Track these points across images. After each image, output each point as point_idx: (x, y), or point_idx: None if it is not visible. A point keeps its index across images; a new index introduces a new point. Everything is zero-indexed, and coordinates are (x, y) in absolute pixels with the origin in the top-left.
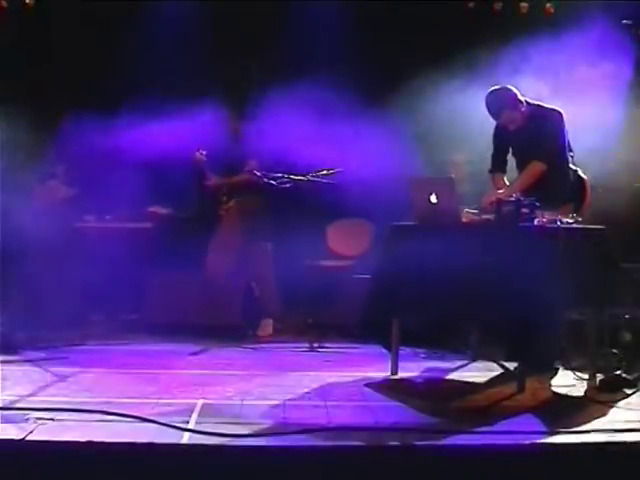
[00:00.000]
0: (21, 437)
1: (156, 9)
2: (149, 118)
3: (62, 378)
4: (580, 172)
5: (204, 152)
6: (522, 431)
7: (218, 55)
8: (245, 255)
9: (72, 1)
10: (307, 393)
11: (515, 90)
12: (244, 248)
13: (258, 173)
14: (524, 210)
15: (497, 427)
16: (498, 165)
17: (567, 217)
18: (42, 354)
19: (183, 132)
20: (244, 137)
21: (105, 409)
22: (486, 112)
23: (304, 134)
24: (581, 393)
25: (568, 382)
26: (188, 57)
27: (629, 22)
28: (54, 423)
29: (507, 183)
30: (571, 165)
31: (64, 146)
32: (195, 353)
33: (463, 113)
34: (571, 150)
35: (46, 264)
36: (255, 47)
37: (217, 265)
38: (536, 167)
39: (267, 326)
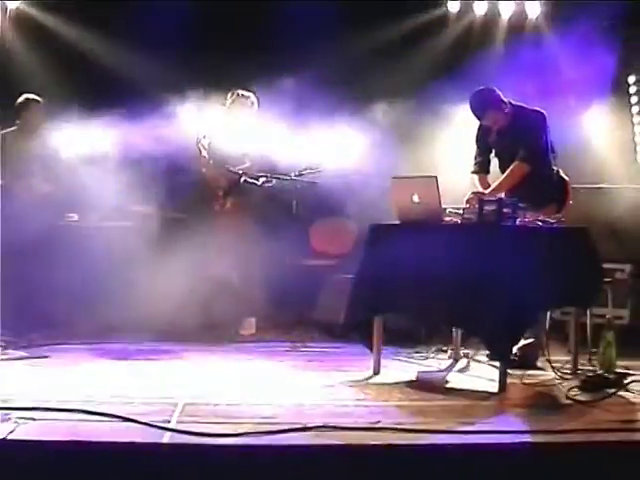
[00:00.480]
0: (2, 437)
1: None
2: (133, 116)
3: (43, 377)
4: (562, 173)
5: (207, 139)
6: (503, 431)
7: (201, 51)
8: (233, 254)
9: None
10: (289, 392)
11: (498, 91)
12: (235, 248)
13: (240, 172)
14: (506, 210)
15: (478, 427)
16: (481, 166)
17: (549, 217)
18: (24, 353)
19: (168, 129)
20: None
21: (86, 408)
22: (470, 112)
23: (287, 132)
24: (563, 393)
25: (550, 382)
26: (171, 52)
27: (611, 22)
28: (35, 422)
29: (490, 184)
30: (553, 166)
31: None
32: (177, 352)
33: (447, 112)
34: (554, 151)
35: (29, 262)
36: (238, 45)
37: (212, 265)
38: (520, 168)
39: (250, 325)
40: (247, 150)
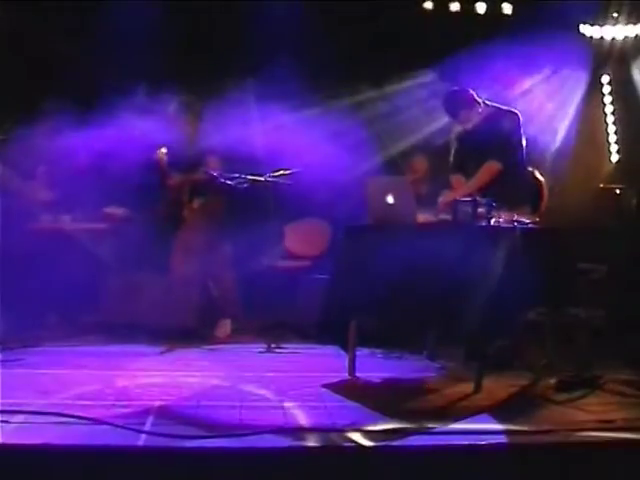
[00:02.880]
0: None
1: (113, 10)
2: (103, 117)
3: (18, 380)
4: (537, 173)
5: (165, 150)
6: (478, 431)
7: (173, 54)
8: (205, 255)
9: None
10: (264, 394)
11: (473, 91)
12: (204, 248)
13: (215, 173)
14: (481, 210)
15: (454, 427)
16: (456, 166)
17: (524, 217)
18: None
19: (140, 131)
20: (202, 134)
21: (61, 411)
22: (445, 112)
23: (261, 133)
24: (539, 393)
25: (525, 382)
26: (142, 56)
27: (585, 24)
28: (9, 425)
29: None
30: (528, 167)
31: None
32: (152, 354)
33: (423, 113)
34: (527, 152)
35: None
36: (212, 45)
37: (182, 266)
38: (491, 166)
39: (225, 326)
40: (206, 147)
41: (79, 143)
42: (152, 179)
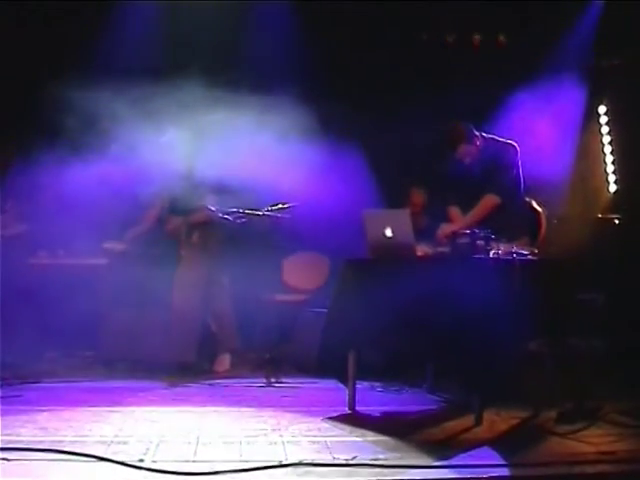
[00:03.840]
0: None
1: (103, 41)
2: (101, 154)
3: (16, 416)
4: (535, 204)
5: (164, 196)
6: (480, 464)
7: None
8: (204, 290)
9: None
10: (264, 429)
11: (470, 125)
12: (203, 283)
13: (213, 208)
14: (479, 242)
15: (455, 461)
16: (453, 199)
17: (523, 249)
18: None
19: (135, 169)
20: (197, 173)
21: (60, 448)
22: (443, 146)
23: (260, 167)
24: (540, 425)
25: (526, 414)
26: (138, 89)
27: (580, 54)
28: (8, 463)
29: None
30: (525, 198)
31: (14, 181)
32: (151, 389)
33: (419, 146)
34: (525, 183)
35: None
36: (210, 74)
37: (182, 302)
38: (490, 200)
39: (224, 361)
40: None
41: (77, 178)
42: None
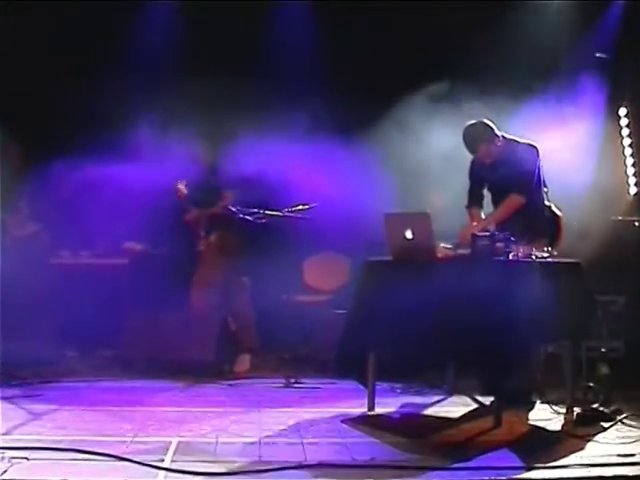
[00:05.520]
0: None
1: (126, 41)
2: (124, 152)
3: (36, 416)
4: (554, 208)
5: (185, 183)
6: (499, 467)
7: (192, 87)
8: (223, 290)
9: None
10: (283, 430)
11: (491, 124)
12: (223, 283)
13: (233, 209)
14: (499, 244)
15: (474, 462)
16: (474, 199)
17: (542, 251)
18: (16, 391)
19: (158, 167)
20: (220, 168)
21: (80, 447)
22: (464, 146)
23: (282, 166)
24: (558, 427)
25: (545, 416)
26: (160, 89)
27: (602, 55)
28: (28, 462)
29: (483, 217)
30: (546, 201)
31: (32, 180)
32: (171, 389)
33: (442, 147)
34: (546, 185)
35: (20, 300)
36: (232, 78)
37: (201, 301)
38: (515, 200)
39: (244, 361)
40: (224, 182)
41: (98, 178)
42: (170, 214)
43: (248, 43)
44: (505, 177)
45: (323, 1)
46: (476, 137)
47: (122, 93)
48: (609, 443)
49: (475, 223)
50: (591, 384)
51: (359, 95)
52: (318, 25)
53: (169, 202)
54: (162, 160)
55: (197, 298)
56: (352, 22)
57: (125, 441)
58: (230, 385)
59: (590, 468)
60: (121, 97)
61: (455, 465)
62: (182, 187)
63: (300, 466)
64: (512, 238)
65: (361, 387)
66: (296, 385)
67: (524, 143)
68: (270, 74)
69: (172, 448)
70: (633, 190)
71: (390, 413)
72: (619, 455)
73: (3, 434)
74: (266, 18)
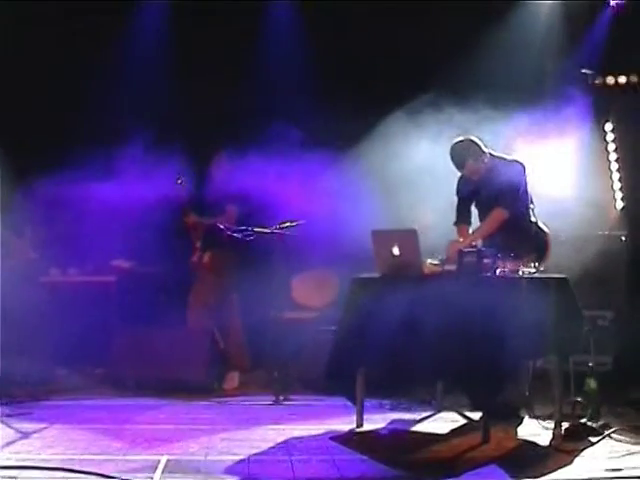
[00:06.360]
0: None
1: (119, 56)
2: (115, 169)
3: (26, 434)
4: (541, 224)
5: (184, 181)
6: None
7: (186, 103)
8: (215, 309)
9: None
10: (272, 447)
11: (478, 141)
12: (217, 302)
13: (222, 226)
14: (486, 260)
15: (463, 478)
16: (462, 216)
17: (529, 267)
18: (6, 409)
19: (146, 183)
20: (219, 181)
21: (69, 466)
22: (451, 163)
23: (268, 184)
24: (547, 442)
25: (533, 431)
26: (147, 104)
27: (587, 71)
28: None
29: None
30: (533, 217)
31: (30, 202)
32: (160, 407)
33: (428, 164)
34: (532, 202)
35: (10, 318)
36: (225, 94)
37: (198, 320)
38: (498, 214)
39: (233, 379)
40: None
41: (88, 195)
42: (161, 229)
43: (234, 60)
44: (492, 194)
45: (311, 21)
46: (463, 154)
47: (109, 109)
48: (597, 458)
49: (462, 239)
50: (579, 399)
51: (345, 111)
52: (305, 41)
53: (158, 218)
54: (151, 176)
55: (194, 317)
56: (337, 38)
57: (114, 459)
58: (219, 402)
59: None
60: (108, 113)
61: None
62: (181, 183)
63: None
64: (499, 254)
65: (350, 404)
66: (285, 402)
67: (511, 160)
68: (257, 91)
69: (161, 466)
70: (619, 205)
71: (379, 429)
72: (607, 470)
73: None
74: (251, 39)
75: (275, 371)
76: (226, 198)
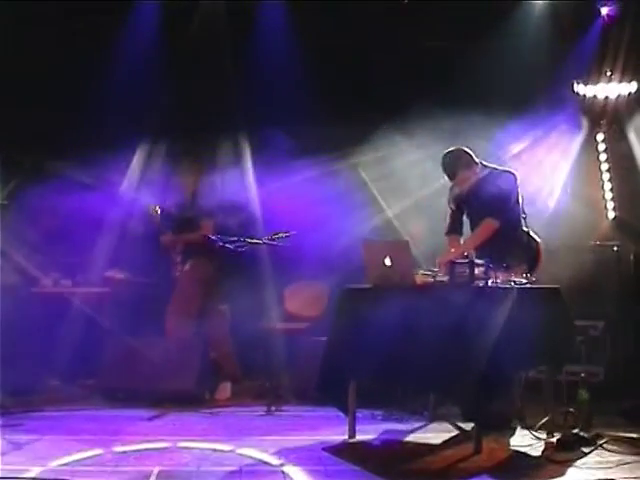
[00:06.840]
0: None
1: (107, 66)
2: (103, 181)
3: (17, 446)
4: (533, 234)
5: (158, 208)
6: None
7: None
8: (201, 318)
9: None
10: (264, 458)
11: (470, 151)
12: (200, 311)
13: (214, 237)
14: (478, 271)
15: None
16: (454, 227)
17: (521, 277)
18: None
19: (138, 194)
20: (199, 196)
21: (60, 477)
22: (442, 173)
23: (260, 195)
24: (539, 453)
25: (526, 442)
26: (139, 117)
27: (579, 81)
28: None
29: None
30: (524, 227)
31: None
32: (151, 418)
33: (420, 174)
34: (524, 212)
35: (1, 329)
36: (213, 103)
37: (176, 329)
38: (489, 224)
39: (225, 389)
40: (202, 209)
41: (79, 206)
42: (148, 240)
43: (221, 73)
44: (483, 204)
45: (303, 34)
46: (455, 164)
47: (99, 120)
48: (590, 468)
49: (453, 250)
50: (571, 409)
51: (337, 122)
52: (296, 51)
53: (145, 229)
54: (142, 187)
55: (172, 327)
56: (330, 48)
57: (106, 471)
58: (211, 413)
59: None
60: (99, 124)
61: None
62: (155, 210)
63: None
64: (490, 265)
65: (342, 414)
66: (277, 413)
67: (502, 170)
68: (250, 101)
69: (153, 477)
70: (611, 215)
71: (371, 440)
72: None
73: None
74: (242, 46)
75: (267, 381)
76: (201, 213)
